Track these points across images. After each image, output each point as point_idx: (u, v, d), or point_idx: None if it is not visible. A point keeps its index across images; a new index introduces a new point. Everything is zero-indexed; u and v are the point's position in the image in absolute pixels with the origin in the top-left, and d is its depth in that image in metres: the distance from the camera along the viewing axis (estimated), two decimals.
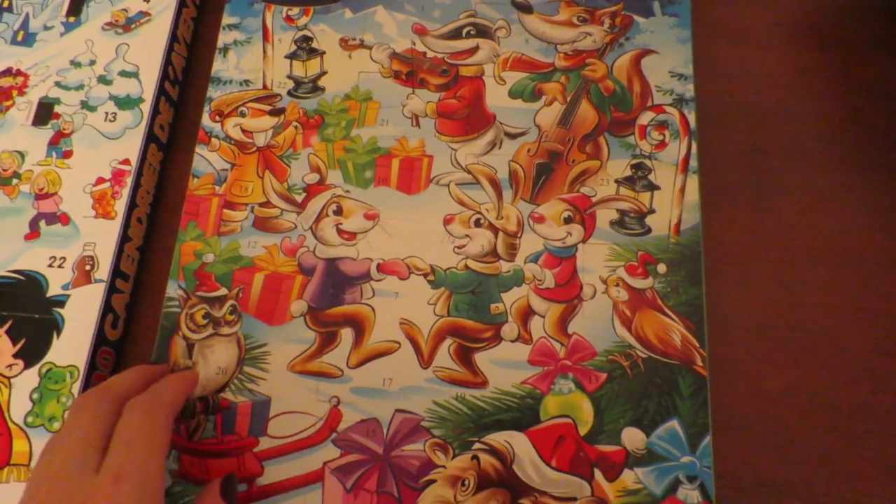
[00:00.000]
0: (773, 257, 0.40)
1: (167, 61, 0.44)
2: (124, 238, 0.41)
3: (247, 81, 0.44)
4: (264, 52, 0.44)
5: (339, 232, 0.40)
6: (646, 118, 0.41)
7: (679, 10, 0.43)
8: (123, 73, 0.44)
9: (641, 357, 0.37)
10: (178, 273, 0.40)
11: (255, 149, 0.42)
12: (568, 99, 0.42)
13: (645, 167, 0.40)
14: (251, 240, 0.41)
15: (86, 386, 0.38)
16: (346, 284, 0.39)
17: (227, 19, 0.45)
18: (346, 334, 0.38)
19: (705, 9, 0.44)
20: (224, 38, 0.45)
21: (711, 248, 0.39)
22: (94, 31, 0.46)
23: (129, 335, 0.42)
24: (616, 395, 0.36)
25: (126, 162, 0.42)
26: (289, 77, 0.44)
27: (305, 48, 0.44)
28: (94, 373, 0.39)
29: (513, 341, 0.38)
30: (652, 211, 0.39)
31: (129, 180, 0.42)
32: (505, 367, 0.37)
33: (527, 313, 0.38)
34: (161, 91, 0.44)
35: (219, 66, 0.44)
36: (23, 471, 0.37)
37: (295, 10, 0.45)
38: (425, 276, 0.39)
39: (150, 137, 0.43)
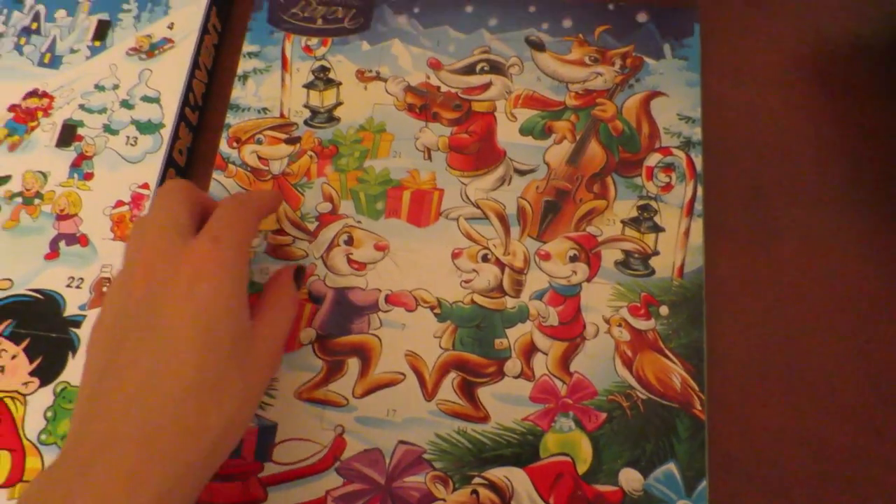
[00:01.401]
0: (772, 299, 0.40)
1: (188, 87, 0.45)
2: None
3: (264, 109, 0.45)
4: (282, 80, 0.45)
5: (350, 262, 0.41)
6: (653, 160, 0.42)
7: (689, 52, 0.44)
8: (145, 98, 0.45)
9: (641, 398, 0.38)
10: None
11: (270, 176, 0.43)
12: (577, 137, 0.43)
13: (651, 209, 0.41)
14: (263, 266, 0.42)
15: None
16: (355, 314, 0.40)
17: (247, 47, 0.46)
18: (353, 364, 0.39)
19: (714, 51, 0.45)
20: (244, 65, 0.46)
21: (713, 289, 0.40)
22: (118, 56, 0.47)
23: None
24: (615, 435, 0.37)
25: (145, 186, 0.43)
26: (305, 106, 0.45)
27: (322, 78, 0.45)
28: None
29: (515, 377, 0.38)
30: (656, 252, 0.40)
31: (148, 204, 0.43)
32: (507, 403, 0.38)
33: (530, 350, 0.39)
34: (181, 116, 0.45)
35: (238, 94, 0.45)
36: None
37: (314, 41, 0.46)
38: (432, 308, 0.40)
39: (169, 162, 0.44)
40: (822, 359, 0.39)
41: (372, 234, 0.42)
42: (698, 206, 0.41)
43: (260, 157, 0.44)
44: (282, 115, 0.45)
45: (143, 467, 0.27)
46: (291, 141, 0.44)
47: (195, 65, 0.46)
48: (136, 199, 0.43)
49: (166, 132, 0.44)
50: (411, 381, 0.39)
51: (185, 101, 0.45)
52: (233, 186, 0.43)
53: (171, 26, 0.47)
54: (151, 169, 0.44)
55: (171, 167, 0.44)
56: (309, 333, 0.40)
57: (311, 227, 0.42)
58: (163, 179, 0.44)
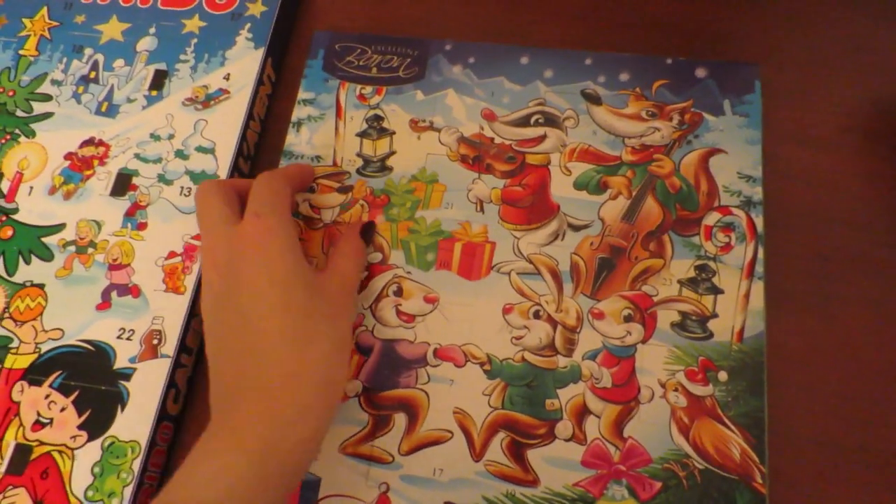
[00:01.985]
0: (838, 370, 0.39)
1: (242, 138, 0.46)
2: (191, 313, 0.42)
3: (318, 157, 0.45)
4: (336, 128, 0.46)
5: (399, 313, 0.41)
6: (712, 219, 0.41)
7: (750, 109, 0.43)
8: (200, 149, 0.46)
9: (698, 468, 0.36)
10: None
11: (321, 224, 0.43)
12: (633, 194, 0.42)
13: (709, 269, 0.40)
14: None
15: (146, 462, 0.39)
16: (402, 367, 0.40)
17: (302, 94, 0.47)
18: (400, 419, 0.39)
19: (776, 109, 0.44)
20: (298, 112, 0.46)
21: (774, 357, 0.39)
22: (174, 106, 0.47)
23: (189, 409, 0.42)
24: None
25: (198, 237, 0.43)
26: (358, 155, 0.45)
27: (376, 127, 0.45)
28: (154, 448, 0.39)
29: (567, 440, 0.37)
30: (714, 315, 0.39)
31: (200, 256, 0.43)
32: (557, 467, 0.37)
33: (582, 412, 0.38)
34: (235, 167, 0.45)
35: (291, 140, 0.45)
36: None
37: (368, 89, 0.46)
38: (482, 365, 0.39)
39: None
40: (894, 434, 0.37)
41: (422, 285, 0.41)
42: (759, 269, 0.39)
43: (312, 206, 0.44)
44: (335, 164, 0.45)
45: (251, 429, 0.32)
46: (344, 190, 0.44)
47: (250, 115, 0.46)
48: (189, 251, 0.43)
49: None
50: (459, 439, 0.38)
51: (238, 152, 0.45)
52: None
53: (227, 77, 0.47)
54: None
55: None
56: (355, 385, 0.39)
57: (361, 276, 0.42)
58: None
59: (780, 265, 0.41)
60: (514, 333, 0.40)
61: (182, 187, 0.45)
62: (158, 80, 0.48)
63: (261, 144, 0.48)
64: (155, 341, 0.41)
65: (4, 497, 0.38)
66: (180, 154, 0.46)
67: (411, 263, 0.42)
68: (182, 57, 0.49)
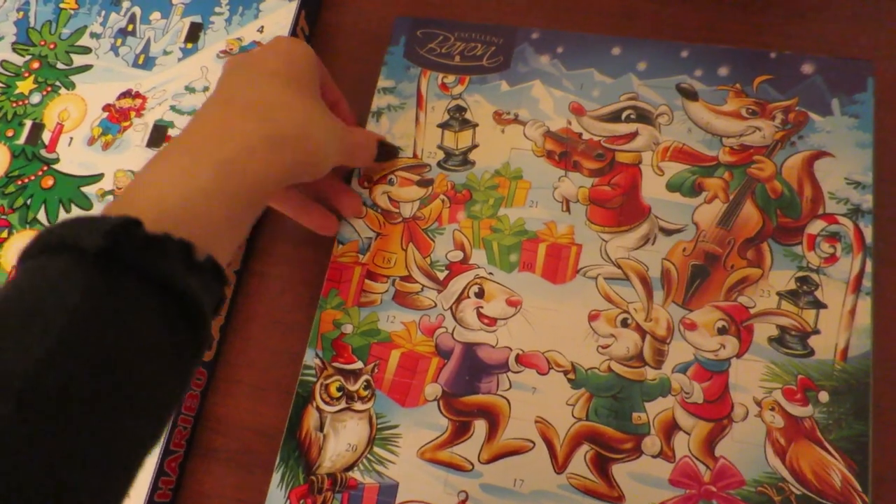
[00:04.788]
0: None
1: None
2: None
3: (398, 148, 0.44)
4: (417, 119, 0.44)
5: (480, 316, 0.40)
6: (816, 227, 0.38)
7: (861, 109, 0.40)
8: None
9: (795, 493, 0.34)
10: (316, 341, 0.40)
11: (400, 219, 0.42)
12: (730, 198, 0.40)
13: (811, 282, 0.38)
14: (390, 314, 0.40)
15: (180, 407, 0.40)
16: (483, 373, 0.38)
17: (382, 82, 0.45)
18: (480, 426, 0.38)
19: (890, 110, 0.41)
20: (378, 101, 0.45)
21: (882, 378, 0.36)
22: (209, 58, 0.47)
23: (222, 356, 0.43)
24: None
25: None
26: (439, 147, 0.43)
27: (458, 119, 0.44)
28: (187, 392, 0.41)
29: (654, 456, 0.36)
30: (816, 331, 0.37)
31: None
32: (644, 484, 0.35)
33: (671, 428, 0.36)
34: None
35: (371, 130, 0.44)
36: None
37: (451, 78, 0.45)
38: (565, 373, 0.38)
39: None
40: None
41: (504, 287, 0.40)
42: (866, 283, 0.37)
43: (391, 199, 0.43)
44: (415, 156, 0.43)
45: (222, 141, 0.32)
46: (424, 183, 0.43)
47: None
48: None
49: None
50: (541, 450, 0.37)
51: None
52: (362, 229, 0.42)
53: (260, 30, 0.47)
54: None
55: None
56: (435, 389, 0.38)
57: (441, 275, 0.41)
58: None
59: (890, 280, 0.38)
60: (600, 342, 0.38)
61: None
62: (194, 33, 0.48)
63: None
64: None
65: None
66: None
67: (493, 264, 0.40)
68: (217, 10, 0.48)
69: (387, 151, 0.42)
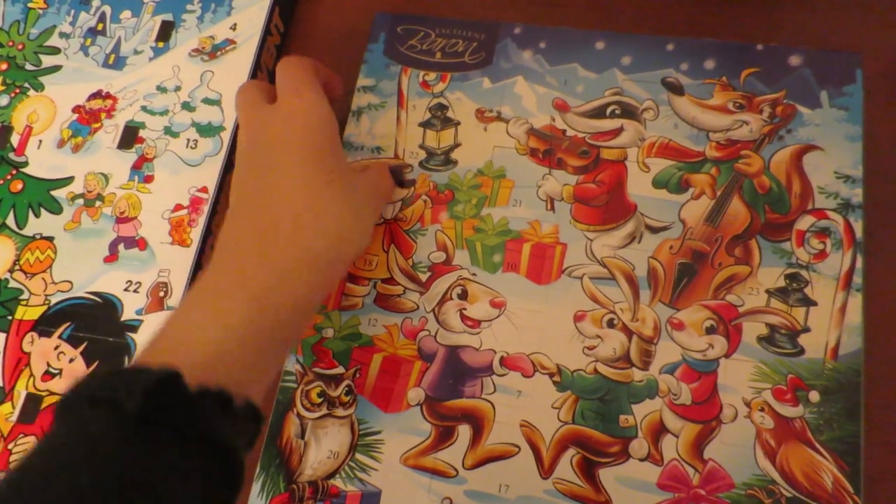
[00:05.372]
0: None
1: None
2: (198, 266, 0.41)
3: (378, 148, 0.43)
4: (398, 118, 0.43)
5: (463, 318, 0.39)
6: (805, 223, 0.38)
7: (850, 102, 0.39)
8: (206, 101, 0.45)
9: (785, 495, 0.34)
10: (296, 346, 0.39)
11: (382, 220, 0.41)
12: (718, 194, 0.39)
13: (801, 279, 0.37)
14: (372, 317, 0.39)
15: None
16: (467, 376, 0.38)
17: (362, 80, 0.44)
18: (464, 431, 0.37)
19: (880, 102, 0.40)
20: (358, 100, 0.44)
21: (873, 376, 0.35)
22: (180, 58, 0.46)
23: None
24: None
25: (204, 190, 0.43)
26: (421, 147, 0.43)
27: (440, 117, 0.43)
28: None
29: (641, 460, 0.35)
30: (806, 329, 0.36)
31: (207, 208, 0.42)
32: (631, 488, 0.35)
33: (659, 430, 0.35)
34: None
35: (351, 130, 0.43)
36: None
37: (432, 76, 0.44)
38: (551, 376, 0.37)
39: (229, 166, 0.43)
40: None
41: (488, 288, 0.39)
42: (857, 280, 0.36)
43: None
44: (396, 156, 0.43)
45: (254, 270, 0.32)
46: (406, 185, 0.42)
47: (257, 66, 0.45)
48: (195, 203, 0.43)
49: (226, 135, 0.44)
50: (526, 454, 0.36)
51: None
52: None
53: (233, 27, 0.46)
54: (211, 172, 0.43)
55: (231, 170, 0.43)
56: (418, 393, 0.38)
57: (423, 277, 0.40)
58: (222, 184, 0.43)
59: (881, 276, 0.37)
60: (586, 343, 0.37)
61: (188, 140, 0.44)
62: (165, 32, 0.47)
63: None
64: (161, 294, 0.41)
65: (16, 445, 0.39)
66: (187, 106, 0.45)
67: (477, 265, 0.40)
68: (189, 7, 0.47)
69: (398, 173, 0.41)
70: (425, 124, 0.43)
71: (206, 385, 0.28)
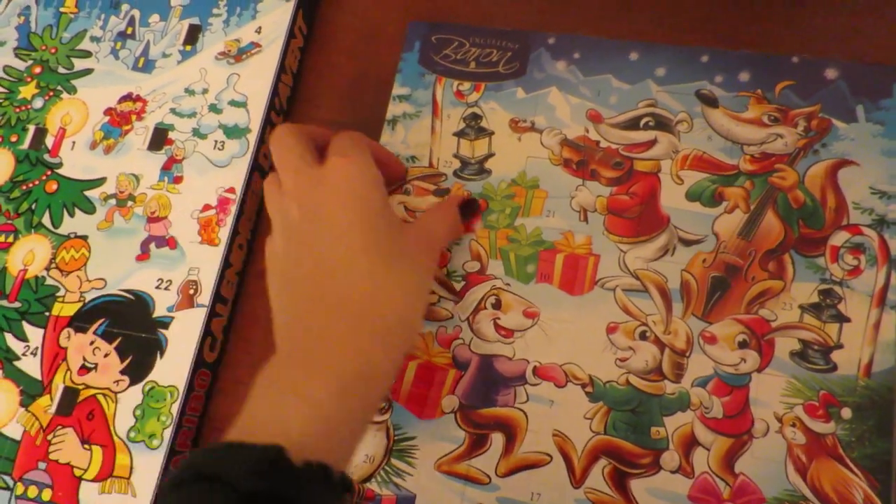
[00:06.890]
0: None
1: (274, 92, 0.45)
2: (225, 264, 0.43)
3: (413, 157, 0.43)
4: (432, 127, 0.44)
5: (497, 327, 0.39)
6: (839, 238, 0.38)
7: (886, 116, 0.39)
8: (233, 103, 0.46)
9: None
10: None
11: None
12: (751, 207, 0.39)
13: (834, 295, 0.37)
14: None
15: (184, 406, 0.41)
16: (501, 385, 0.38)
17: (397, 89, 0.45)
18: (497, 439, 0.37)
19: None
20: (393, 109, 0.44)
21: None
22: (207, 60, 0.47)
23: (225, 357, 0.44)
24: None
25: (231, 190, 0.44)
26: (455, 156, 0.43)
27: (474, 127, 0.43)
28: (192, 393, 0.41)
29: (672, 472, 0.36)
30: (839, 346, 0.36)
31: (234, 208, 0.43)
32: (662, 500, 0.35)
33: (690, 443, 0.36)
34: (267, 121, 0.45)
35: (387, 139, 0.44)
36: (123, 483, 0.39)
37: (466, 85, 0.44)
38: (583, 386, 0.38)
39: (255, 166, 0.45)
40: None
41: (521, 298, 0.40)
42: (892, 297, 0.36)
43: (407, 209, 0.42)
44: (431, 165, 0.43)
45: (330, 349, 0.33)
46: (440, 192, 0.42)
47: (281, 68, 0.46)
48: (223, 203, 0.44)
49: (252, 137, 0.45)
50: (558, 464, 0.37)
51: (270, 106, 0.45)
52: None
53: (258, 30, 0.47)
54: (238, 173, 0.44)
55: (257, 171, 0.45)
56: (452, 401, 0.38)
57: (458, 286, 0.40)
58: (248, 184, 0.44)
59: None
60: (618, 355, 0.38)
61: (216, 141, 0.45)
62: (192, 35, 0.48)
63: (293, 98, 0.48)
64: (191, 291, 0.42)
65: (55, 436, 0.41)
66: (213, 108, 0.46)
67: (510, 275, 0.40)
68: (215, 11, 0.48)
69: (469, 204, 0.41)
70: (459, 134, 0.43)
71: (310, 459, 0.28)
